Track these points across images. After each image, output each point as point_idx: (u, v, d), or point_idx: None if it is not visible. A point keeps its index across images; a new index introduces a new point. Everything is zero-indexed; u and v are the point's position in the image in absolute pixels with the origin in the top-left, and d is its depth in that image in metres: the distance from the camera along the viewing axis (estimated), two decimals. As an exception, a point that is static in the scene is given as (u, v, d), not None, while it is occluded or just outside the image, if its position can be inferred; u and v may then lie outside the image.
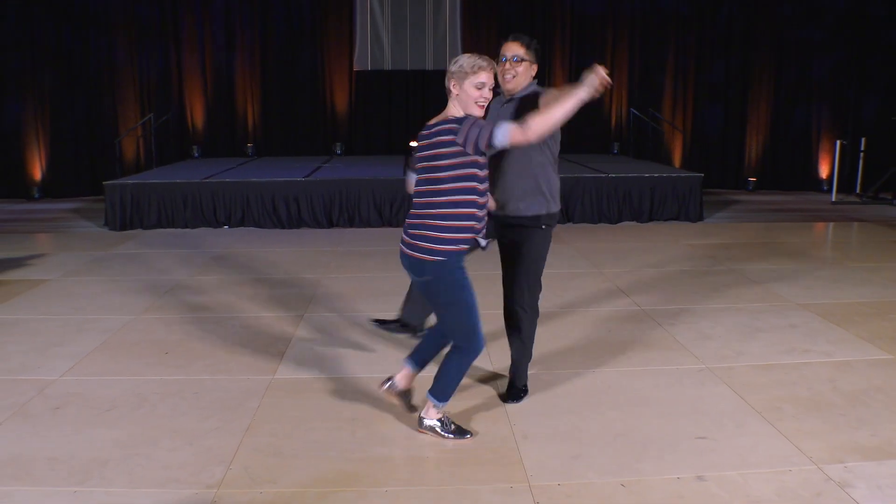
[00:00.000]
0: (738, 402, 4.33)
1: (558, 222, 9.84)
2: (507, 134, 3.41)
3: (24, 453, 3.76)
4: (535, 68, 4.17)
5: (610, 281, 7.09)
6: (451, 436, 3.90)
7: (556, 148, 4.21)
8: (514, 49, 4.06)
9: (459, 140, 3.45)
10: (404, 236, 3.66)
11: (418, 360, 4.03)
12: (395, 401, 4.10)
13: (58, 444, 3.87)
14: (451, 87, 3.58)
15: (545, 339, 5.43)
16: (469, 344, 3.72)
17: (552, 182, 4.24)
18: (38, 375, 4.81)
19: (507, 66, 4.06)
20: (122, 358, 5.15)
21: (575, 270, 7.52)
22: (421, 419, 3.97)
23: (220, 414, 4.23)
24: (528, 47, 4.09)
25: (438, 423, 3.93)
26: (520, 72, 4.09)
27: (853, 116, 13.88)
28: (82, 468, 3.61)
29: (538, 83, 4.22)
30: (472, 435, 3.93)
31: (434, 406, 3.91)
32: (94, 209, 11.60)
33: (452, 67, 3.56)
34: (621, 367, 4.88)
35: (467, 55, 3.56)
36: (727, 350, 5.19)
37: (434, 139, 3.52)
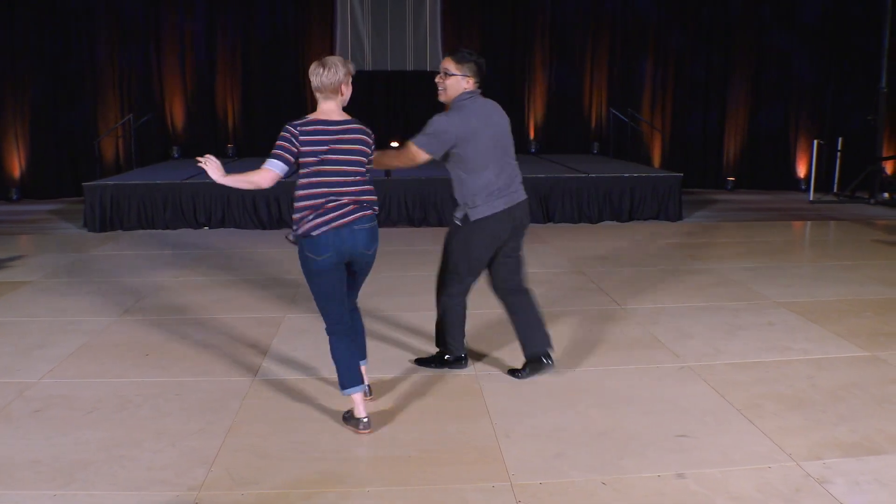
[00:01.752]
0: (719, 399, 4.36)
1: (538, 222, 9.91)
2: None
3: (5, 456, 3.73)
4: (469, 81, 4.49)
5: (590, 280, 7.12)
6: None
7: (459, 161, 4.52)
8: (444, 64, 4.45)
9: None
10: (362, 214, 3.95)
11: (356, 376, 4.06)
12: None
13: (40, 446, 3.84)
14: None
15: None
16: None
17: (460, 189, 4.56)
18: (18, 378, 4.77)
19: (437, 79, 4.47)
20: (104, 360, 5.11)
21: (555, 270, 7.54)
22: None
23: (202, 415, 4.21)
24: (459, 62, 4.43)
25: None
26: (448, 85, 4.48)
27: (830, 116, 14.01)
28: (65, 470, 3.59)
29: (482, 93, 4.57)
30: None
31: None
32: (75, 210, 11.51)
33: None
34: (602, 366, 4.90)
35: (336, 59, 3.97)
36: (707, 348, 5.22)
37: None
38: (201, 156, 3.85)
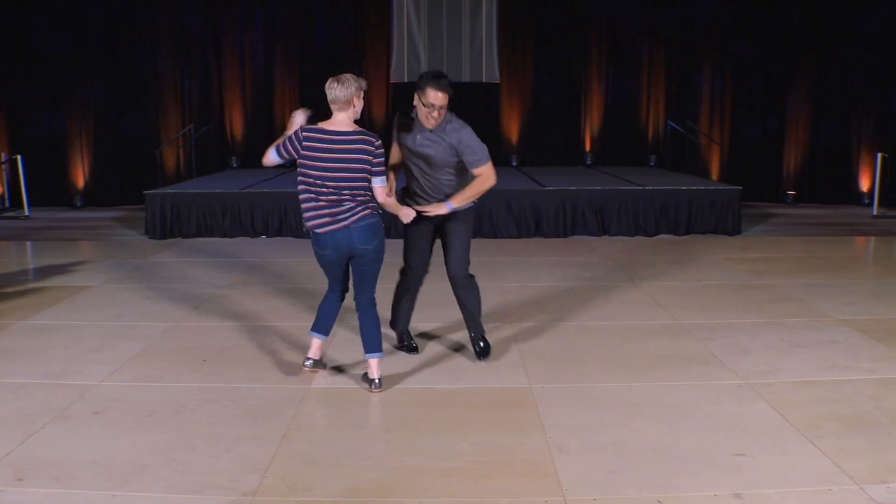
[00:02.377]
0: (777, 418, 4.26)
1: (594, 234, 9.83)
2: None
3: (64, 456, 3.81)
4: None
5: (647, 294, 7.03)
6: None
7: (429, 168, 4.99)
8: (445, 100, 4.81)
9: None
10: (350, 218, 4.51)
11: (324, 328, 4.89)
12: (314, 372, 4.95)
13: (98, 447, 3.91)
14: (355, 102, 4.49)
15: (582, 351, 5.40)
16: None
17: (462, 184, 5.08)
18: (79, 380, 4.87)
19: (438, 113, 4.81)
20: (162, 364, 5.20)
21: (611, 283, 7.47)
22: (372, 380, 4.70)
23: (257, 421, 4.25)
24: (449, 95, 4.85)
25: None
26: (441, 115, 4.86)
27: (894, 129, 13.65)
28: (121, 472, 3.65)
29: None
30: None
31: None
32: (136, 218, 11.75)
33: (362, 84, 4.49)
34: (658, 382, 4.83)
35: (350, 76, 4.46)
36: (766, 365, 5.11)
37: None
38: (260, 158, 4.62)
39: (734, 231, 10.31)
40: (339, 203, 4.47)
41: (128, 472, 3.65)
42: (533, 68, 14.26)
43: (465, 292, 5.23)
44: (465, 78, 14.14)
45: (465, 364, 5.19)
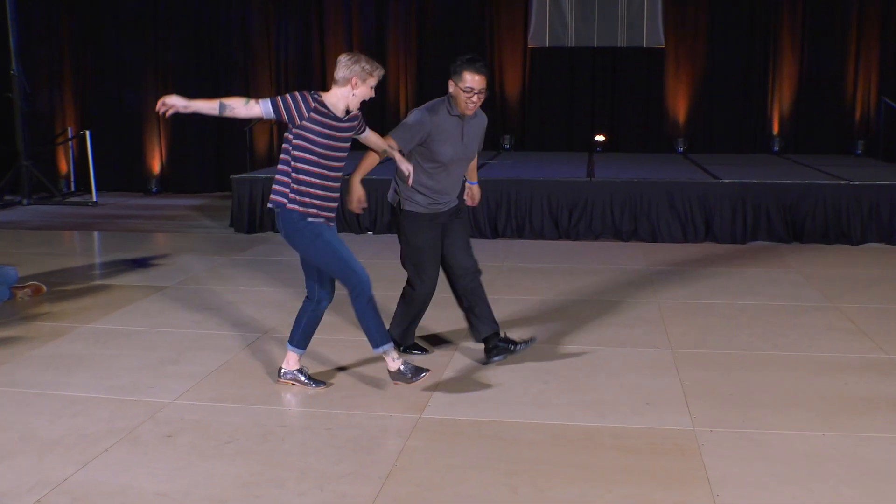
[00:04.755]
0: None
1: (782, 241, 9.61)
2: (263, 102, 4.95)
3: (131, 485, 3.97)
4: None
5: (848, 319, 6.80)
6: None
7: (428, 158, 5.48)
8: (480, 83, 5.40)
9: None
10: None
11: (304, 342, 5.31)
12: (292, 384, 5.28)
13: (169, 476, 4.07)
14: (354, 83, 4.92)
15: (761, 388, 5.28)
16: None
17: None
18: (150, 397, 5.09)
19: (476, 98, 5.41)
20: (246, 382, 5.37)
21: (801, 303, 7.27)
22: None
23: (356, 456, 4.33)
24: (486, 76, 5.47)
25: None
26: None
27: None
28: (196, 508, 3.78)
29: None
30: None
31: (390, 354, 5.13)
32: (220, 207, 12.18)
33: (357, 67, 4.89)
34: (860, 432, 4.66)
35: (364, 57, 4.94)
36: None
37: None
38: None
39: (968, 241, 9.87)
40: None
41: (203, 508, 3.78)
42: (707, 30, 14.04)
43: (477, 283, 5.71)
44: (621, 42, 14.06)
45: (612, 397, 5.14)
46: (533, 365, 5.66)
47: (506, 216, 10.26)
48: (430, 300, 5.74)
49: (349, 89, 4.92)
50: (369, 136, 5.27)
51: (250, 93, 14.21)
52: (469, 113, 5.44)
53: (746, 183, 10.07)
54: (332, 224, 5.11)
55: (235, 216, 10.66)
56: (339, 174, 5.09)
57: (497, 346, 5.68)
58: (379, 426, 4.70)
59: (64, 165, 14.51)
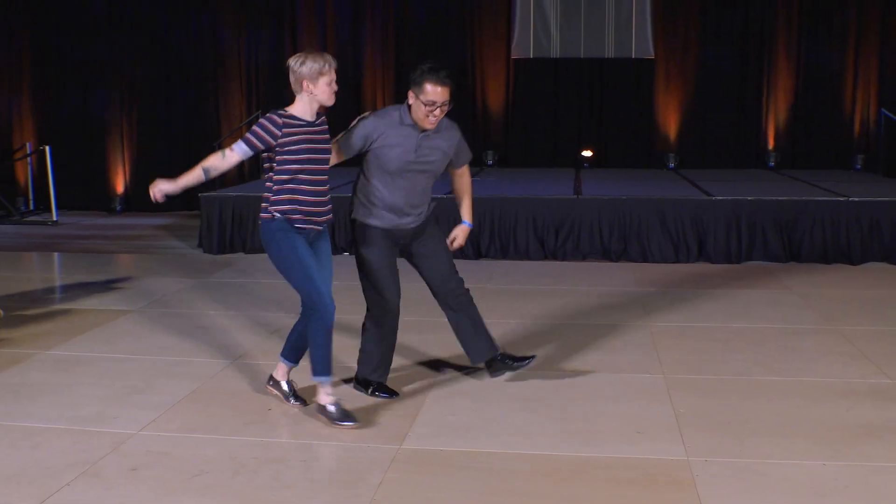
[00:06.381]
0: None
1: (778, 261, 9.65)
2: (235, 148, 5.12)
3: (95, 523, 3.95)
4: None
5: (849, 342, 6.84)
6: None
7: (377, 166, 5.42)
8: (443, 96, 5.25)
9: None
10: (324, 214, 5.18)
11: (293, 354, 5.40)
12: (275, 393, 5.43)
13: (135, 514, 4.04)
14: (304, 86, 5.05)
15: (759, 415, 5.29)
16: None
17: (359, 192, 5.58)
18: (114, 428, 5.05)
19: (438, 112, 5.28)
20: (217, 412, 5.34)
21: (799, 326, 7.30)
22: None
23: (333, 489, 4.31)
24: (451, 88, 5.32)
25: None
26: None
27: None
28: (164, 546, 3.76)
29: None
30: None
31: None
32: (187, 226, 12.16)
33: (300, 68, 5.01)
34: (863, 461, 4.68)
35: (311, 56, 5.02)
36: None
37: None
38: None
39: (973, 259, 9.95)
40: None
41: (171, 546, 3.76)
42: (698, 40, 14.12)
43: (469, 302, 5.75)
44: (609, 53, 14.12)
45: (602, 425, 5.15)
46: (519, 392, 5.66)
47: (489, 236, 10.26)
48: (396, 323, 5.61)
49: (307, 94, 5.05)
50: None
51: (220, 106, 14.24)
52: (429, 127, 5.33)
53: (741, 200, 10.12)
54: (320, 231, 5.18)
55: (204, 236, 10.63)
56: (325, 177, 5.15)
57: (494, 363, 5.77)
58: (357, 458, 4.68)
59: (22, 182, 14.44)
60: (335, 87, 5.09)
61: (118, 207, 14.27)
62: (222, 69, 14.28)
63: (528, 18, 14.22)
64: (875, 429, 5.10)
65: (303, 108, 5.09)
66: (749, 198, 10.17)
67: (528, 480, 4.42)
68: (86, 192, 14.39)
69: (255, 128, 5.01)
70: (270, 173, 5.09)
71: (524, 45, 14.27)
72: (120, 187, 14.44)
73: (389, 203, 5.40)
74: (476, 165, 14.04)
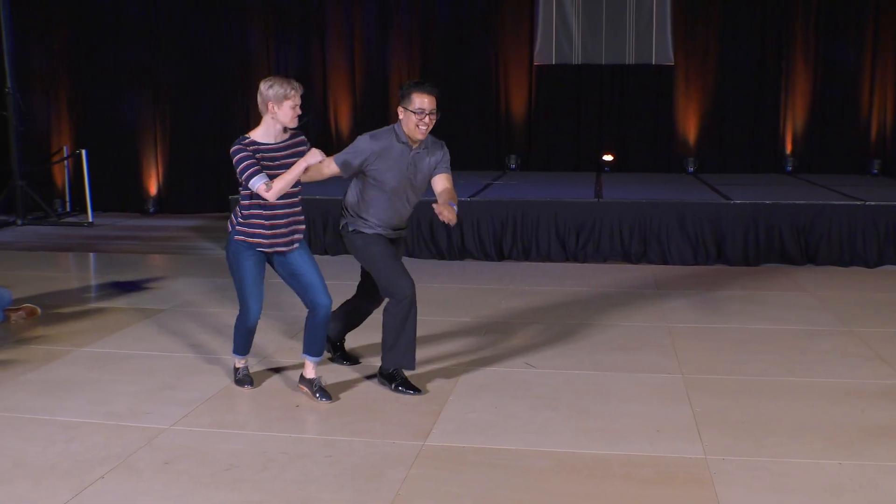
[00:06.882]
0: None
1: (795, 264, 9.59)
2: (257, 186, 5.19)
3: (128, 515, 3.98)
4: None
5: (864, 344, 6.79)
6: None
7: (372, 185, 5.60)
8: (430, 104, 5.43)
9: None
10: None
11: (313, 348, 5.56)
12: (305, 391, 5.54)
13: (167, 506, 4.08)
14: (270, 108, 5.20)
15: (775, 415, 5.27)
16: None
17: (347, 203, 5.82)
18: (147, 423, 5.10)
19: (428, 119, 5.43)
20: (246, 408, 5.38)
21: (816, 328, 7.26)
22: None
23: (358, 484, 4.33)
24: (437, 97, 5.48)
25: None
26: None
27: None
28: (194, 538, 3.78)
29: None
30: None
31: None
32: (218, 228, 12.18)
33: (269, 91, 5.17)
34: (878, 461, 4.65)
35: (279, 81, 5.20)
36: None
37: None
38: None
39: None
40: None
41: (201, 538, 3.78)
42: (717, 47, 14.04)
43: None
44: (630, 60, 14.07)
45: (621, 424, 5.14)
46: (540, 391, 5.67)
47: (511, 238, 10.26)
48: (416, 308, 5.70)
49: (270, 115, 5.21)
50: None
51: (250, 111, 14.26)
52: (420, 137, 5.48)
53: (759, 204, 10.07)
54: (286, 252, 5.60)
55: (234, 237, 10.66)
56: (295, 199, 5.43)
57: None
58: (381, 453, 4.70)
59: (60, 184, 14.56)
60: (298, 111, 5.26)
61: (151, 209, 14.35)
62: (252, 74, 14.32)
63: (550, 26, 14.20)
64: (890, 429, 5.07)
65: (265, 130, 5.26)
66: (767, 201, 10.12)
67: (548, 478, 4.43)
68: (120, 194, 14.47)
69: (244, 162, 5.16)
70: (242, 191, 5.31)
71: (546, 51, 14.25)
72: (153, 190, 14.52)
73: (385, 220, 5.61)
74: (499, 169, 14.05)
